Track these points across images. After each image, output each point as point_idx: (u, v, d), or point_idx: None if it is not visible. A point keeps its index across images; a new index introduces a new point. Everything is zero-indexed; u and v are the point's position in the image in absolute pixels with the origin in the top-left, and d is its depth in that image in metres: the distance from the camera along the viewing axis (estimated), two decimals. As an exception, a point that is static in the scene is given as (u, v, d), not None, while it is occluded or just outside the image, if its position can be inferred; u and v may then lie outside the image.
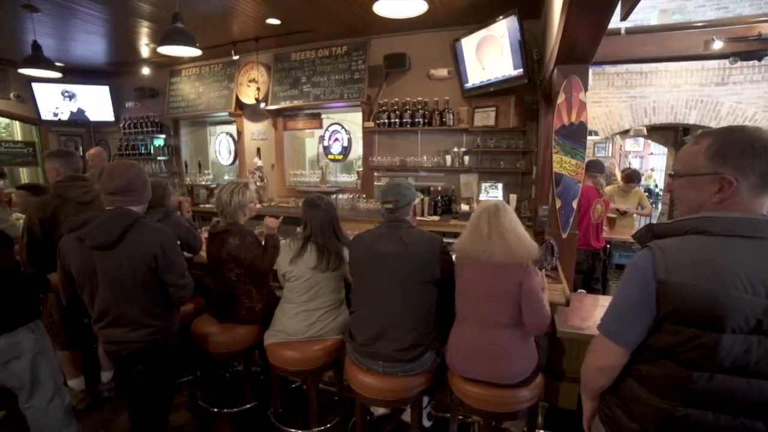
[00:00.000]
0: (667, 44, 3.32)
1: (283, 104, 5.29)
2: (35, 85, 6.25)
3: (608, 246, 4.31)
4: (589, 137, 3.10)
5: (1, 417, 2.52)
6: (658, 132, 7.59)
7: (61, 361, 2.63)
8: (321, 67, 5.05)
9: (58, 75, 4.42)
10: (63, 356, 2.64)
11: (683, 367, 0.98)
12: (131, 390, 1.95)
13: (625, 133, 6.76)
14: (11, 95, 6.23)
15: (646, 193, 5.14)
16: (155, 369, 1.89)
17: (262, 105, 5.39)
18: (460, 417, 2.17)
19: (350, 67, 4.88)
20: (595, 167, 4.00)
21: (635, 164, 11.41)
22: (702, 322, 0.94)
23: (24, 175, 6.66)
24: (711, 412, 0.98)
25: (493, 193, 4.43)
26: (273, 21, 4.32)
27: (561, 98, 2.68)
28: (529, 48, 3.84)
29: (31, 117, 6.53)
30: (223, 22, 4.35)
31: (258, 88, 5.36)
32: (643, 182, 8.08)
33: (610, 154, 8.66)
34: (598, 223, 3.95)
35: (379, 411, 2.50)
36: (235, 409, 2.45)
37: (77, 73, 6.16)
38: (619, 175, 6.22)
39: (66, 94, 6.50)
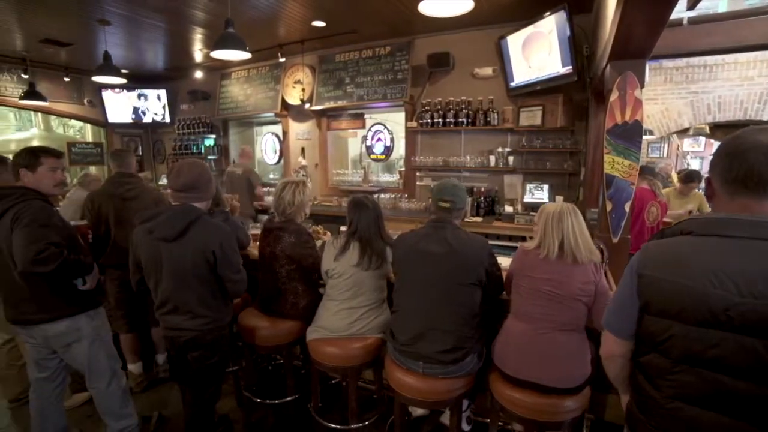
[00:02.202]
0: (740, 33, 3.04)
1: (327, 105, 5.41)
2: (104, 90, 6.85)
3: (664, 252, 4.03)
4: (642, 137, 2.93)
5: (87, 397, 2.72)
6: (723, 130, 7.01)
7: (123, 346, 2.85)
8: (364, 67, 5.11)
9: (123, 81, 4.83)
10: (124, 341, 2.85)
11: (664, 357, 1.04)
12: (185, 374, 2.07)
13: (683, 132, 6.32)
14: (85, 101, 6.89)
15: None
16: (208, 357, 2.00)
17: (307, 106, 5.54)
18: (500, 423, 2.12)
19: (393, 67, 4.91)
20: (648, 173, 3.78)
21: (694, 165, 10.60)
22: (671, 313, 1.01)
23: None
24: (699, 407, 1.00)
25: (538, 194, 4.29)
26: (318, 23, 4.42)
27: (614, 96, 2.55)
28: (578, 44, 3.68)
29: (100, 120, 7.15)
30: (270, 25, 4.51)
31: (303, 89, 5.51)
32: (703, 185, 7.49)
33: (665, 155, 8.11)
34: (653, 228, 3.72)
35: (418, 412, 2.50)
36: (277, 401, 2.53)
37: (139, 78, 6.62)
38: (675, 177, 5.78)
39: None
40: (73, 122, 7.92)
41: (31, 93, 5.53)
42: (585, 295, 1.72)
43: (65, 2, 3.84)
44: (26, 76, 5.78)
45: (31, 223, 1.81)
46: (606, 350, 1.22)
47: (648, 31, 2.11)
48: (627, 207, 2.67)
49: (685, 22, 3.08)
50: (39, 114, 7.04)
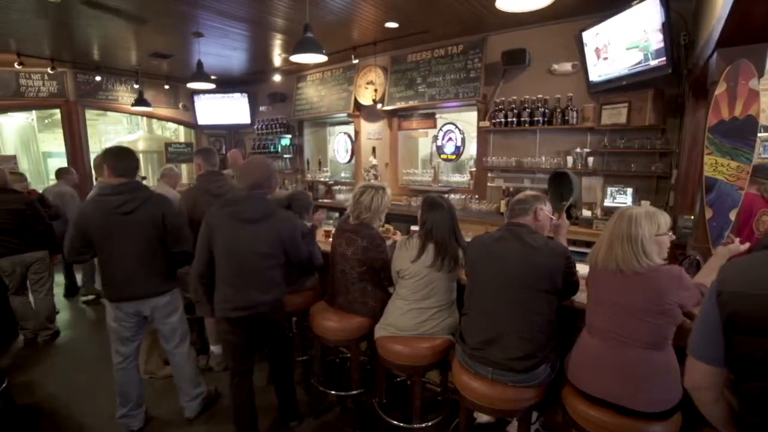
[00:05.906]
0: None
1: (398, 105, 5.45)
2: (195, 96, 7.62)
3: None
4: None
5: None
6: None
7: (207, 330, 3.12)
8: (436, 67, 5.08)
9: (212, 86, 5.31)
10: (209, 324, 3.12)
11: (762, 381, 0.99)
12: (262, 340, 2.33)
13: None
14: (180, 105, 7.78)
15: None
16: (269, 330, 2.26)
17: (379, 106, 5.63)
18: (573, 441, 1.99)
19: (466, 66, 4.82)
20: (763, 174, 3.30)
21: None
22: (759, 329, 0.96)
23: (184, 171, 8.02)
24: None
25: (620, 198, 3.96)
26: (391, 24, 4.48)
27: (720, 88, 2.26)
28: (675, 32, 3.32)
29: (191, 122, 7.96)
30: (345, 29, 4.65)
31: (375, 90, 5.61)
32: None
33: (782, 155, 7.02)
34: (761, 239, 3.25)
35: (483, 418, 2.43)
36: (343, 393, 2.62)
37: (224, 83, 7.21)
38: None
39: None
40: (169, 124, 8.84)
41: (140, 100, 6.37)
42: (657, 310, 1.52)
43: (170, 19, 4.32)
44: (137, 86, 6.71)
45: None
46: (691, 380, 1.15)
47: (775, 5, 1.79)
48: (732, 215, 2.36)
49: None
50: (144, 118, 7.96)
